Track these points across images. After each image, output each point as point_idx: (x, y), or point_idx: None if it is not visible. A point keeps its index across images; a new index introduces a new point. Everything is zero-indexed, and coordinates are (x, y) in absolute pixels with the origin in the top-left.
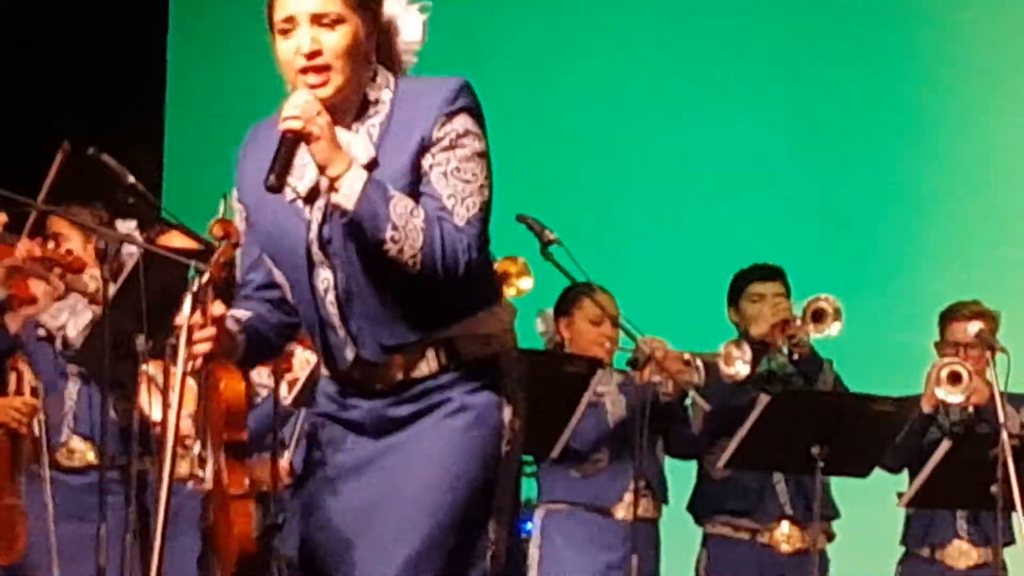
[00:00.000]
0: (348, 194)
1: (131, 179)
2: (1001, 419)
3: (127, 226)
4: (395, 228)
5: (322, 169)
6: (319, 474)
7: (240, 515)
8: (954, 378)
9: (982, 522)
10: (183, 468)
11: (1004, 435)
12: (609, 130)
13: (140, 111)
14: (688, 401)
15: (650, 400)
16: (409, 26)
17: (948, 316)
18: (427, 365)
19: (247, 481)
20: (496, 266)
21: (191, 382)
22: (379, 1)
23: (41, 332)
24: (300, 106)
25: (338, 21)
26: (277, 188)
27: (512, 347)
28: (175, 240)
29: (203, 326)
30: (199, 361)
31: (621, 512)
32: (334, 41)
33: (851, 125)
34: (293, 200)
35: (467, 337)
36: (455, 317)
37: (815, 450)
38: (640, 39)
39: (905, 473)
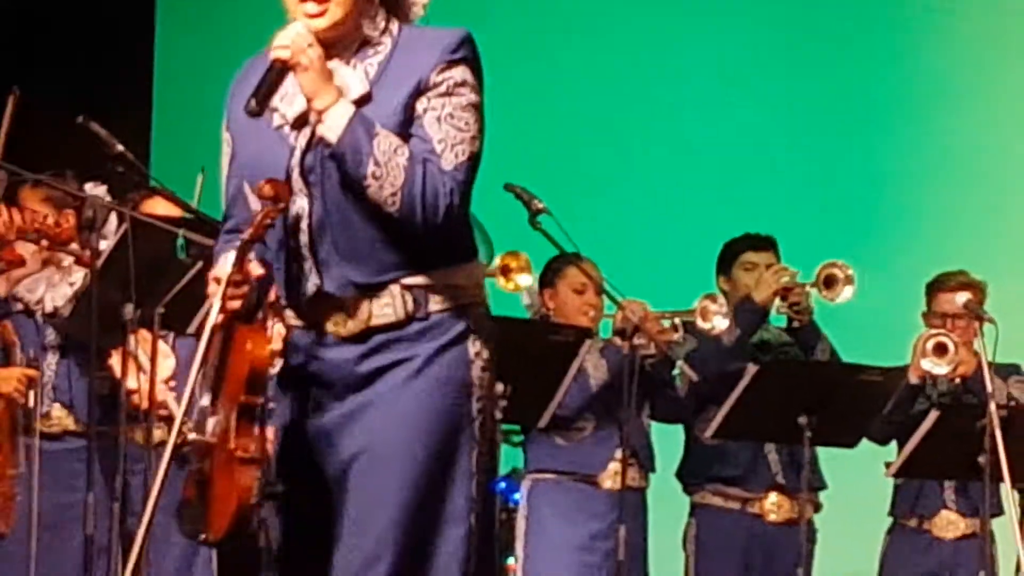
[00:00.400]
0: (333, 127)
1: (120, 147)
2: (988, 390)
3: (99, 190)
4: (377, 164)
5: (309, 100)
6: (292, 441)
7: (243, 479)
8: (940, 349)
9: (970, 492)
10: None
11: (991, 406)
12: (608, 110)
13: (127, 79)
14: (676, 371)
15: (637, 366)
16: None
17: (935, 287)
18: (393, 310)
19: (254, 446)
20: (497, 259)
21: (164, 347)
22: None
23: (18, 306)
24: (291, 36)
25: None
26: (257, 112)
27: (482, 303)
28: (159, 207)
29: (239, 283)
30: (224, 316)
31: (608, 482)
32: None
33: (847, 108)
34: (280, 127)
35: (436, 287)
36: (426, 265)
37: (803, 420)
38: (640, 18)
39: (893, 443)
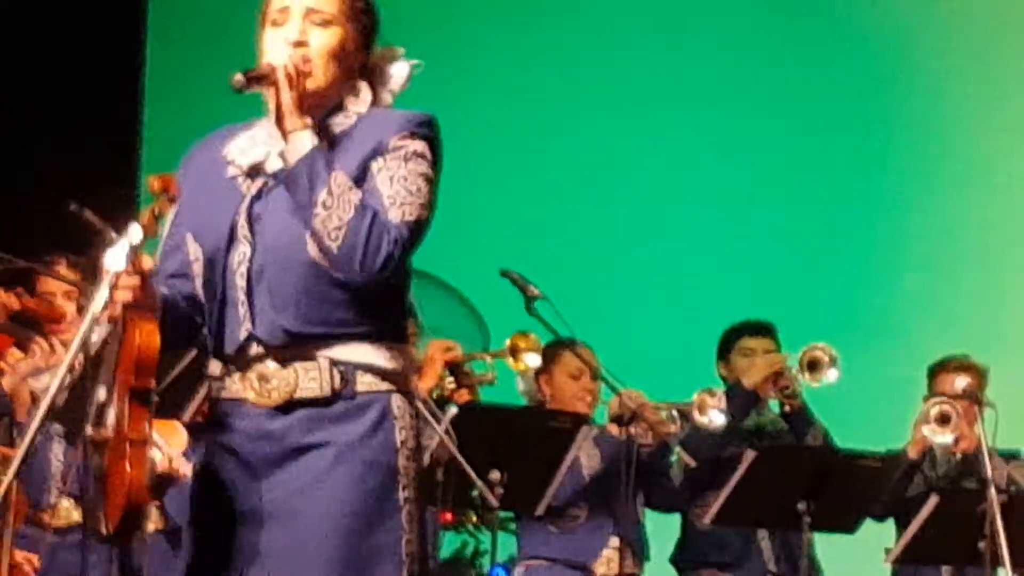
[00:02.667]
0: (297, 148)
1: (113, 234)
2: (988, 474)
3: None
4: (330, 194)
5: (279, 117)
6: (207, 517)
7: (136, 461)
8: (943, 419)
9: None
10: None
11: (991, 491)
12: (606, 198)
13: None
14: (674, 457)
15: (634, 454)
16: (395, 73)
17: (937, 369)
18: (319, 384)
19: (147, 428)
20: (507, 341)
21: (175, 422)
22: (375, 28)
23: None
24: (299, 55)
25: (329, 22)
26: (241, 85)
27: (409, 390)
28: None
29: (129, 274)
30: (119, 307)
31: (602, 569)
32: (321, 39)
33: (840, 185)
34: (233, 177)
35: (364, 365)
36: (357, 336)
37: (801, 506)
38: (639, 105)
39: (892, 529)
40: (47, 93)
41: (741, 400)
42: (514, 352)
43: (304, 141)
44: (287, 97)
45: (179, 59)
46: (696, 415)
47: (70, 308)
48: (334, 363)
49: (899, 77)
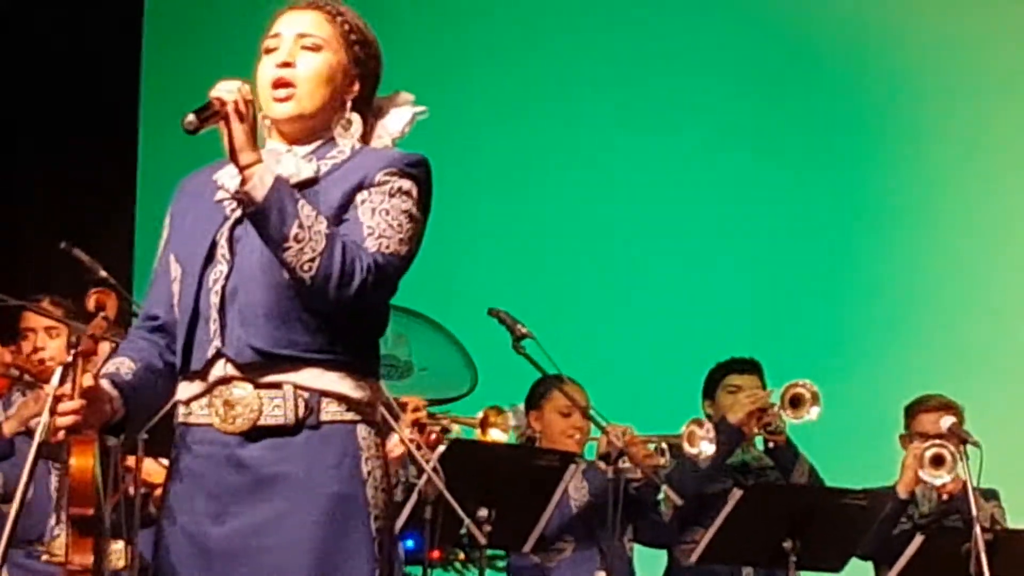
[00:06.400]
0: (257, 184)
1: (103, 273)
2: (974, 513)
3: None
4: (301, 227)
5: (233, 154)
6: (174, 555)
7: None
8: (937, 461)
9: None
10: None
11: (977, 529)
12: (592, 238)
13: (109, 199)
14: (660, 495)
15: (621, 491)
16: (396, 117)
17: (915, 408)
18: (283, 412)
19: (90, 558)
20: (480, 413)
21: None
22: (375, 60)
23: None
24: (236, 86)
25: (320, 47)
26: (193, 127)
27: (375, 423)
28: None
29: (71, 397)
30: (61, 433)
31: None
32: (309, 63)
33: (818, 218)
34: (220, 200)
35: (330, 394)
36: (324, 359)
37: (787, 544)
38: (621, 144)
39: (871, 566)
40: (40, 133)
41: (726, 436)
42: (483, 424)
43: (263, 176)
44: (239, 131)
45: (176, 89)
46: (686, 446)
47: (52, 344)
48: (299, 390)
49: (880, 109)
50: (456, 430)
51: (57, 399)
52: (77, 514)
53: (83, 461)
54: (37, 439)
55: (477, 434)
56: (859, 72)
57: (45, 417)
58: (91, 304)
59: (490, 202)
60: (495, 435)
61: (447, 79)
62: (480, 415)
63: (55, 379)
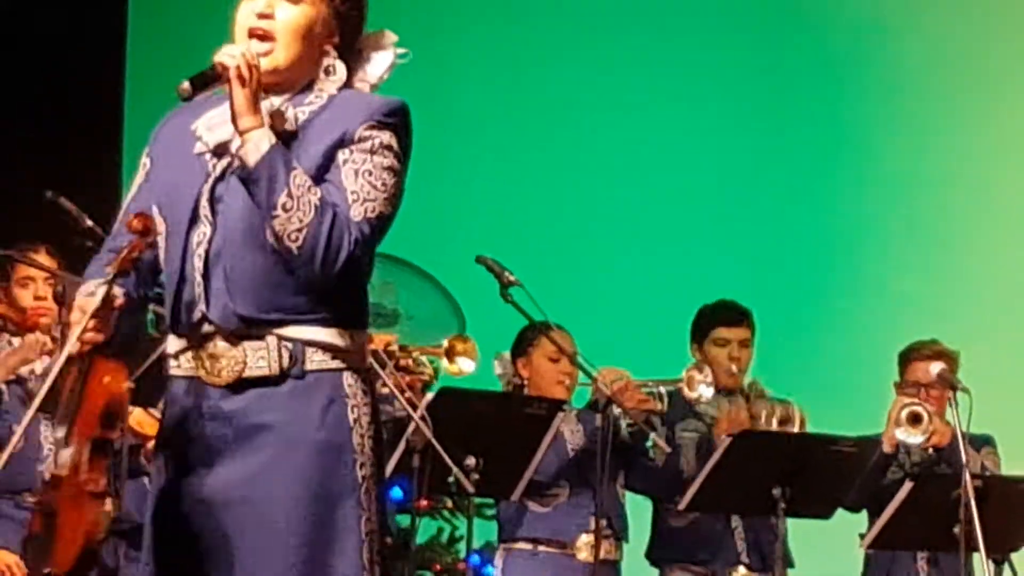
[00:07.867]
0: (253, 149)
1: (89, 223)
2: (963, 460)
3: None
4: (290, 196)
5: (235, 118)
6: (170, 505)
7: (91, 513)
8: (914, 419)
9: (942, 563)
10: None
11: (966, 476)
12: (575, 176)
13: (96, 150)
14: (648, 443)
15: (611, 436)
16: (377, 62)
17: (908, 356)
18: (267, 363)
19: (104, 481)
20: (445, 341)
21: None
22: (356, 15)
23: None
24: (241, 49)
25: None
26: (188, 94)
27: (363, 369)
28: None
29: (100, 315)
30: (85, 347)
31: (583, 553)
32: (288, 14)
33: (806, 166)
34: (201, 153)
35: (315, 343)
36: (311, 318)
37: (776, 492)
38: (604, 85)
39: (864, 514)
40: (30, 86)
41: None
42: (450, 353)
43: (261, 141)
44: (240, 96)
45: (164, 33)
46: (686, 391)
47: (49, 292)
48: (283, 340)
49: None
50: (428, 374)
51: (94, 317)
52: (103, 437)
53: (116, 385)
54: (65, 352)
55: (444, 364)
56: (866, 58)
57: (76, 331)
58: (135, 225)
59: (478, 149)
60: (463, 363)
61: (438, 23)
62: (445, 343)
63: (98, 296)
